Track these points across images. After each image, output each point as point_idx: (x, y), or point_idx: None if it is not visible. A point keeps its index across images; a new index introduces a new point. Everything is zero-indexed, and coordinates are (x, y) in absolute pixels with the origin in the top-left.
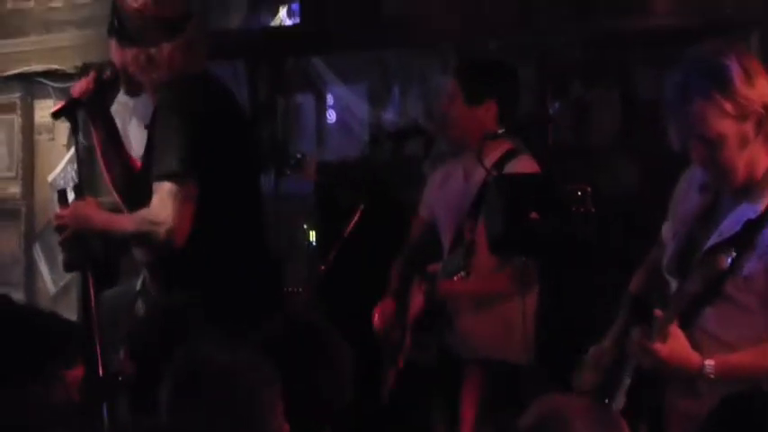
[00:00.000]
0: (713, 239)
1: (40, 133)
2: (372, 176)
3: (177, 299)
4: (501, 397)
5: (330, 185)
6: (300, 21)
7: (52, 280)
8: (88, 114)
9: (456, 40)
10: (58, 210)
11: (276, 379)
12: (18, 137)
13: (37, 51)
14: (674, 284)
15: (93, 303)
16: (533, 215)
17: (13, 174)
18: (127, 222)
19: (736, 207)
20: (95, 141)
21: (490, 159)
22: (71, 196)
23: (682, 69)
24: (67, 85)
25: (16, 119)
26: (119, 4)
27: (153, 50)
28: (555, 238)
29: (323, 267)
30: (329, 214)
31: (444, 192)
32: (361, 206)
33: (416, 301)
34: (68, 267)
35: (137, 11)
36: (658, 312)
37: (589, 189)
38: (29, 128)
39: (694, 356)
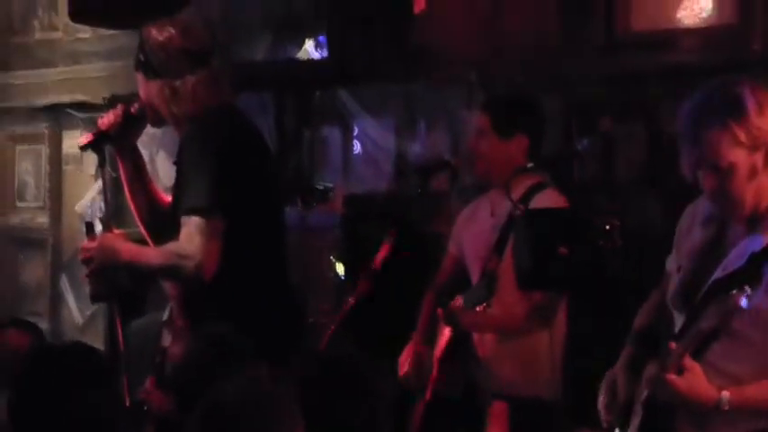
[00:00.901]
0: (717, 273)
1: (67, 164)
2: (399, 210)
3: (217, 332)
4: None
5: (357, 218)
6: (327, 53)
7: (79, 309)
8: (115, 147)
9: (483, 73)
10: (85, 241)
11: (300, 415)
12: (46, 167)
13: (65, 82)
14: (678, 318)
15: (120, 335)
16: (561, 249)
17: (40, 204)
18: (154, 256)
19: (741, 240)
20: (122, 174)
21: (517, 193)
22: (98, 228)
23: (696, 99)
24: (95, 115)
25: (44, 149)
26: (144, 37)
27: (177, 83)
28: (583, 272)
29: (351, 300)
30: (356, 247)
31: (472, 226)
32: (390, 239)
33: (443, 334)
34: (95, 299)
35: (162, 44)
36: (673, 345)
37: (617, 223)
38: (57, 158)
39: (710, 388)
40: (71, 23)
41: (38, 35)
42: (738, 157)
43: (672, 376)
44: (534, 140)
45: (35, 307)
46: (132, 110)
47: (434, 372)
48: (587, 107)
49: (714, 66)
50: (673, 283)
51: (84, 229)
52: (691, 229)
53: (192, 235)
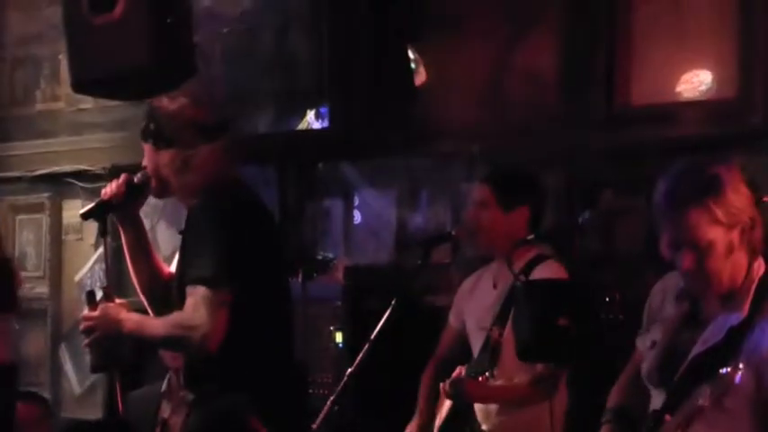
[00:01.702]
0: (697, 348)
1: (67, 233)
2: (400, 281)
3: (229, 403)
4: None
5: (358, 289)
6: (329, 124)
7: (78, 380)
8: (117, 218)
9: (484, 146)
10: (86, 311)
11: None
12: (46, 237)
13: (66, 152)
14: (656, 393)
15: (119, 405)
16: (561, 321)
17: (40, 273)
18: (158, 326)
19: (717, 314)
20: (124, 244)
21: (518, 264)
22: (99, 297)
23: (672, 179)
24: (96, 185)
25: (44, 218)
26: (155, 107)
27: (189, 153)
28: (583, 344)
29: (350, 370)
30: (357, 318)
31: (474, 298)
32: (389, 310)
33: (444, 406)
34: (95, 369)
35: (174, 114)
36: (668, 417)
37: (617, 296)
38: (57, 228)
39: None
40: (73, 94)
41: (39, 106)
42: (717, 235)
43: None
44: (535, 213)
45: (36, 377)
46: (136, 180)
47: None
48: (588, 180)
49: (714, 139)
50: (648, 360)
51: (84, 299)
52: (662, 306)
53: (198, 305)
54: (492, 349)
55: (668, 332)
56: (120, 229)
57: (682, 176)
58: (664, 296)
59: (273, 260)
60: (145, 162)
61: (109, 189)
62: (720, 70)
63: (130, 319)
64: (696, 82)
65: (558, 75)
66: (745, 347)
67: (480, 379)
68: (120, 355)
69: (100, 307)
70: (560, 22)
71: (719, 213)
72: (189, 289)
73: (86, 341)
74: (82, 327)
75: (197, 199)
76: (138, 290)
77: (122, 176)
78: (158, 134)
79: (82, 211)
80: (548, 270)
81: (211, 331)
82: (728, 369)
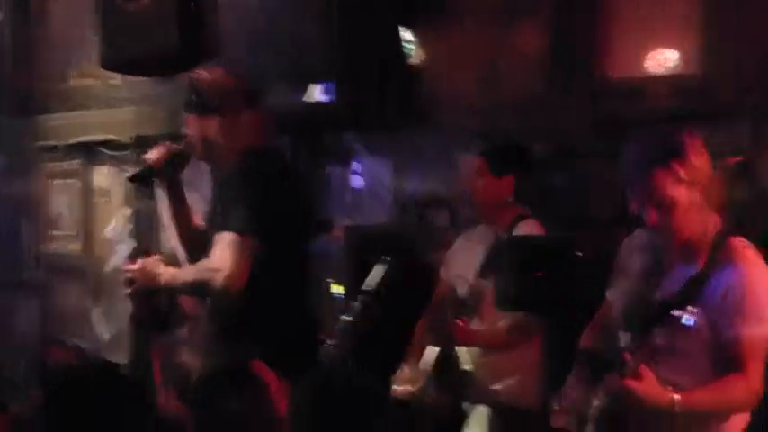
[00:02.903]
0: (659, 295)
1: (97, 196)
2: (398, 240)
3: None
4: None
5: (358, 247)
6: (337, 99)
7: (106, 328)
8: (161, 181)
9: (479, 121)
10: (128, 264)
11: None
12: (78, 199)
13: (97, 123)
14: (623, 336)
15: (156, 350)
16: (537, 274)
17: (74, 232)
18: (188, 273)
19: (678, 266)
20: (167, 204)
21: (502, 223)
22: (123, 249)
23: (641, 144)
24: (123, 153)
25: (77, 183)
26: (196, 79)
27: (235, 118)
28: (556, 294)
29: (346, 318)
30: (356, 274)
31: (462, 254)
32: (387, 265)
33: (430, 350)
34: (135, 317)
35: (216, 83)
36: (628, 356)
37: (589, 251)
38: (88, 191)
39: (665, 392)
40: (104, 71)
41: (73, 82)
42: (679, 193)
43: (631, 381)
44: (521, 179)
45: (69, 327)
46: (176, 148)
47: (422, 383)
48: (570, 150)
49: (681, 113)
50: (617, 306)
51: (110, 255)
52: (630, 259)
53: (223, 249)
54: (473, 298)
55: (634, 282)
56: (164, 191)
57: (647, 141)
58: (631, 250)
59: (296, 221)
60: (188, 131)
61: (152, 155)
62: (690, 48)
63: (166, 271)
64: (668, 59)
65: (545, 54)
66: (700, 295)
67: (459, 323)
68: (157, 304)
69: (139, 261)
70: (548, 6)
71: (682, 173)
72: (217, 236)
73: (128, 291)
74: (123, 279)
75: (237, 161)
76: (179, 242)
77: (164, 144)
78: (203, 103)
79: (129, 174)
80: (528, 227)
81: (235, 274)
82: (684, 312)
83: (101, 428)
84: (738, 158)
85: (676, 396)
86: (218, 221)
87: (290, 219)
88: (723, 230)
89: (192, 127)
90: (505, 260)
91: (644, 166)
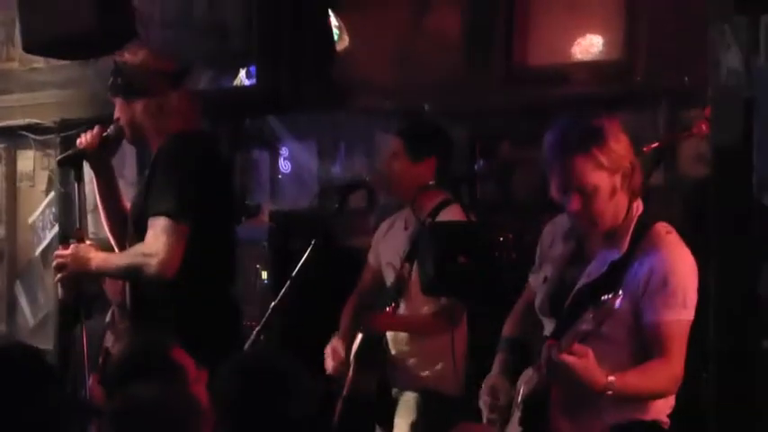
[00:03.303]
0: (582, 280)
1: (21, 180)
2: (320, 224)
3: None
4: (432, 423)
5: (281, 231)
6: (257, 83)
7: (31, 314)
8: (91, 165)
9: (397, 102)
10: (59, 249)
11: (201, 409)
12: (2, 184)
13: (20, 107)
14: (548, 322)
15: (84, 335)
16: (460, 259)
17: None
18: (121, 258)
19: (599, 251)
20: (96, 188)
21: (425, 209)
22: (49, 236)
23: (560, 130)
24: (47, 137)
25: (0, 167)
26: (120, 63)
27: (161, 100)
28: (480, 280)
29: (274, 304)
30: (281, 257)
31: (387, 240)
32: (310, 248)
33: (358, 337)
34: (64, 302)
35: (140, 65)
36: (551, 342)
37: (511, 237)
38: (12, 176)
39: (601, 372)
40: (26, 55)
41: None
42: (601, 179)
43: (569, 356)
44: (441, 163)
45: None
46: (108, 131)
47: (351, 370)
48: (489, 135)
49: (601, 97)
50: (540, 293)
51: (35, 239)
52: (552, 245)
53: (157, 234)
54: (400, 284)
55: (557, 268)
56: (94, 175)
57: (568, 128)
58: (554, 236)
59: (225, 206)
60: (117, 114)
61: (84, 138)
62: (608, 34)
63: (98, 256)
64: (585, 45)
65: (462, 38)
66: (624, 279)
67: (387, 309)
68: (86, 290)
69: (71, 246)
70: None
71: (603, 159)
72: (151, 221)
73: (58, 276)
74: (54, 263)
75: (167, 143)
76: (107, 228)
77: (96, 128)
78: (129, 86)
79: (59, 157)
80: (451, 213)
81: (169, 258)
82: (609, 296)
83: (18, 414)
84: (654, 145)
85: (611, 377)
86: (149, 205)
87: (220, 203)
88: (645, 215)
89: (120, 110)
90: (429, 246)
91: (565, 152)
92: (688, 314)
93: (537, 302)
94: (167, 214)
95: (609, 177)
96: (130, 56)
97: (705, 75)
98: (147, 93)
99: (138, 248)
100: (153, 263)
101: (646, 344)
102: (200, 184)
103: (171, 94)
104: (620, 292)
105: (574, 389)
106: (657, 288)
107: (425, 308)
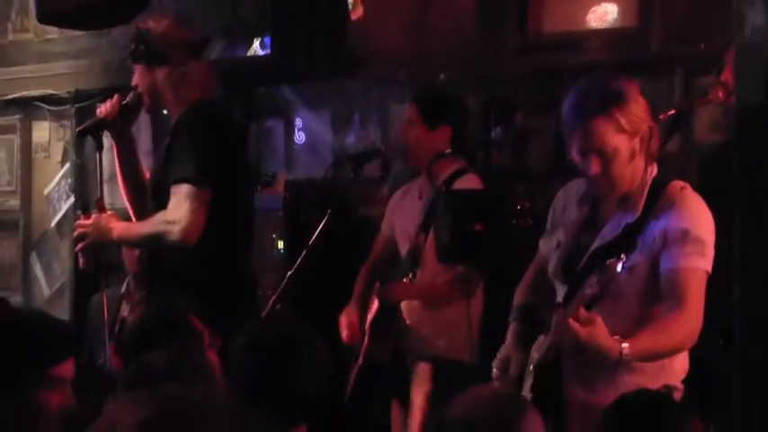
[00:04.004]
0: (597, 243)
1: (36, 152)
2: (335, 194)
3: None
4: (447, 391)
5: (296, 201)
6: (271, 52)
7: (47, 284)
8: (112, 134)
9: (410, 72)
10: (81, 219)
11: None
12: (17, 155)
13: (34, 78)
14: (560, 288)
15: (105, 304)
16: (476, 227)
17: (12, 188)
18: (143, 226)
19: (614, 215)
20: (116, 158)
21: (441, 177)
22: (64, 207)
23: (581, 92)
24: (62, 108)
25: (16, 139)
26: (144, 30)
27: (183, 68)
28: (496, 247)
29: (290, 273)
30: (296, 227)
31: (402, 209)
32: (326, 218)
33: (374, 305)
34: (84, 272)
35: (164, 33)
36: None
37: (528, 204)
38: (27, 147)
39: (613, 340)
40: (40, 26)
41: (11, 36)
42: (621, 141)
43: (575, 323)
44: (457, 131)
45: (8, 282)
46: (128, 99)
47: (366, 339)
48: (504, 103)
49: (616, 64)
50: (554, 258)
51: (50, 210)
52: (565, 210)
53: (180, 201)
54: (414, 253)
55: (571, 233)
56: (114, 144)
57: (588, 90)
58: (566, 201)
59: (243, 174)
60: (136, 82)
61: (103, 108)
62: (623, 1)
63: (119, 226)
64: (601, 12)
65: (476, 6)
66: (638, 241)
67: (405, 280)
68: (107, 260)
69: (93, 216)
70: None
71: (624, 122)
72: (173, 188)
73: (79, 246)
74: (75, 233)
75: (188, 111)
76: (125, 197)
77: (115, 96)
78: (152, 53)
79: (79, 128)
80: (467, 182)
81: (192, 225)
82: (612, 260)
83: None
84: (671, 112)
85: (624, 344)
86: (170, 173)
87: (238, 171)
88: (660, 177)
89: (140, 77)
90: (444, 214)
91: (585, 114)
92: (706, 264)
93: (550, 267)
94: (190, 181)
95: (628, 140)
96: (154, 24)
97: (720, 41)
98: (170, 61)
99: (161, 216)
100: (176, 230)
101: (662, 296)
102: (220, 152)
103: (192, 64)
104: (623, 255)
105: (584, 356)
106: (676, 239)
107: (442, 277)
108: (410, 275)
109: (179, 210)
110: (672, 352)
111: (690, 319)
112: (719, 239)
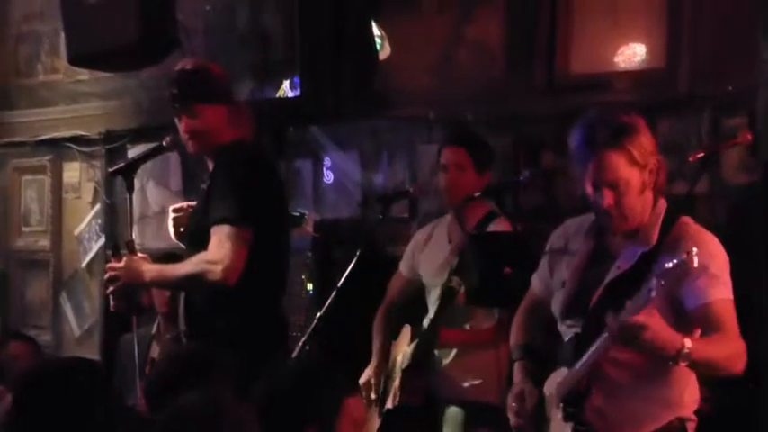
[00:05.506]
0: (611, 275)
1: (67, 192)
2: (364, 234)
3: (192, 348)
4: None
5: (326, 241)
6: (300, 93)
7: (77, 324)
8: None
9: (439, 112)
10: (112, 261)
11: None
12: (48, 195)
13: (65, 119)
14: (564, 326)
15: (135, 345)
16: (507, 269)
17: (43, 228)
18: (182, 267)
19: (626, 247)
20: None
21: (472, 221)
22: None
23: (590, 125)
24: (92, 149)
25: (46, 179)
26: (203, 70)
27: (237, 108)
28: (526, 289)
29: (320, 314)
30: (325, 267)
31: (428, 251)
32: (354, 260)
33: (402, 344)
34: (114, 313)
35: (222, 74)
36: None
37: None
38: (57, 187)
39: (675, 334)
40: (70, 67)
41: (41, 77)
42: (633, 174)
43: (641, 318)
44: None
45: (39, 321)
46: (164, 143)
47: (398, 383)
48: (531, 143)
49: (644, 105)
50: (560, 297)
51: (81, 250)
52: (568, 246)
53: (222, 241)
54: (454, 301)
55: (578, 269)
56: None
57: (597, 123)
58: (566, 239)
59: (281, 213)
60: (186, 126)
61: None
62: (651, 43)
63: (151, 269)
64: (629, 53)
65: (504, 46)
66: (654, 270)
67: (467, 327)
68: (137, 302)
69: (124, 258)
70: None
71: (636, 154)
72: (214, 228)
73: (110, 288)
74: (107, 276)
75: (228, 152)
76: (175, 237)
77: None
78: (211, 92)
79: (111, 169)
80: (499, 226)
81: (233, 265)
82: (674, 261)
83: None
84: (699, 154)
85: (687, 341)
86: (211, 214)
87: (276, 212)
88: (671, 211)
89: (197, 118)
90: (475, 257)
91: (596, 147)
92: (730, 293)
93: (557, 306)
94: (231, 221)
95: (639, 173)
96: (198, 64)
97: (748, 83)
98: (225, 99)
99: (201, 256)
100: (218, 270)
101: (693, 329)
102: (260, 192)
103: (242, 103)
104: (662, 281)
105: (649, 354)
106: (698, 272)
107: (484, 323)
108: (467, 326)
109: (221, 250)
110: (725, 368)
111: (735, 344)
112: (746, 283)
